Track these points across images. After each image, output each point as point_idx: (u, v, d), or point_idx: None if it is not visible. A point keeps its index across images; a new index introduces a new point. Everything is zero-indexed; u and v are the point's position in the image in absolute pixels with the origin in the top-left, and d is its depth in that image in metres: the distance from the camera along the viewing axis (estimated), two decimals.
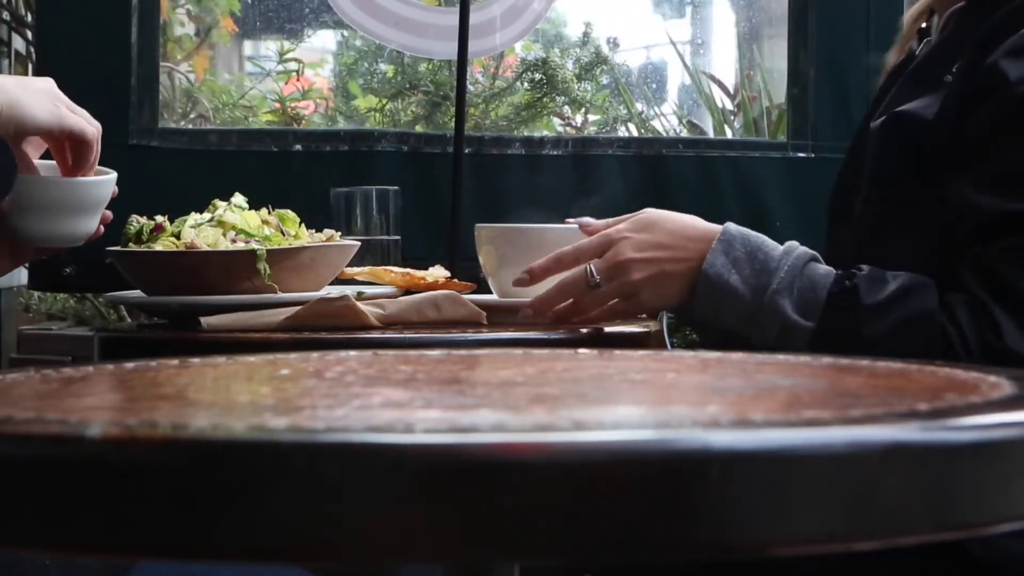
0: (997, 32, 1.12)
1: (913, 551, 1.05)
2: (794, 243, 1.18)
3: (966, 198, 1.10)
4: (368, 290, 1.40)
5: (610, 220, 1.24)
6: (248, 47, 3.83)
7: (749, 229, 1.19)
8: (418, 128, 3.08)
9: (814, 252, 1.17)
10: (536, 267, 1.24)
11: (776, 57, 2.74)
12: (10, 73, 3.27)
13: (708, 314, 1.17)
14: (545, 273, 1.24)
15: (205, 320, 1.28)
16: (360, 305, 1.27)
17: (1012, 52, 1.09)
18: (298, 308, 1.27)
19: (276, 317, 1.28)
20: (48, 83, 1.18)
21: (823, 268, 1.15)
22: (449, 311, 1.33)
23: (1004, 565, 1.05)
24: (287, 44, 3.33)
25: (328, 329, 1.26)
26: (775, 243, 1.18)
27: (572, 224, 1.30)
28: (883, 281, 1.10)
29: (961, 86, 1.12)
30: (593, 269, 1.20)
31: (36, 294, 3.13)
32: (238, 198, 1.41)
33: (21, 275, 2.41)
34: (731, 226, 1.18)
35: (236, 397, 0.63)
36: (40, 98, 1.15)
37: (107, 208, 1.47)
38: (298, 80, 3.29)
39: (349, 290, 1.34)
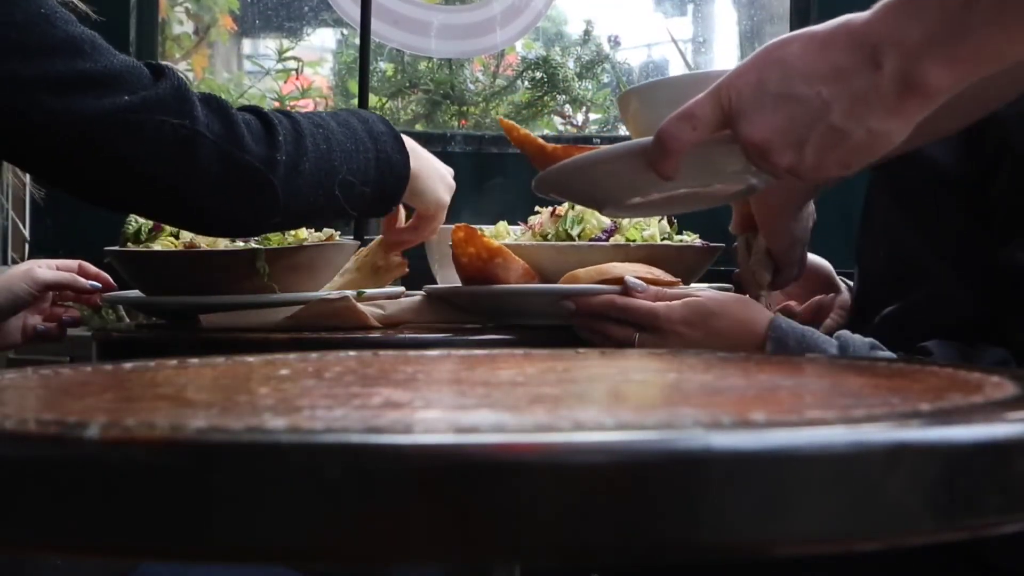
0: None
1: (925, 557, 1.04)
2: (846, 334, 1.15)
3: (1015, 258, 1.09)
4: (369, 290, 1.40)
5: (659, 291, 1.22)
6: (247, 45, 3.83)
7: (794, 322, 1.17)
8: (418, 127, 3.08)
9: (872, 339, 1.14)
10: (583, 306, 1.23)
11: None
12: None
13: None
14: (589, 312, 1.23)
15: (204, 318, 1.28)
16: (360, 305, 1.27)
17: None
18: (298, 308, 1.27)
19: (276, 316, 1.27)
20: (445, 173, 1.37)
21: (883, 355, 1.12)
22: (445, 312, 1.34)
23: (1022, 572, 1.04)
24: (286, 42, 3.33)
25: (328, 329, 1.26)
26: (826, 336, 1.15)
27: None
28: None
29: (966, 132, 1.11)
30: (638, 339, 1.20)
31: None
32: None
33: None
34: (779, 320, 1.16)
35: (235, 397, 0.63)
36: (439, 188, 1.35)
37: None
38: (297, 79, 3.29)
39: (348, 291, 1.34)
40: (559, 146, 1.06)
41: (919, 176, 1.18)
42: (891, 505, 0.42)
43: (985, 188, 1.12)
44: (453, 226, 1.35)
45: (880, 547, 0.44)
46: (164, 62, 1.23)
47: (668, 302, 1.20)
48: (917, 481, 0.42)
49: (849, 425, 0.43)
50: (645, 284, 1.22)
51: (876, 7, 0.79)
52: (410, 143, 1.29)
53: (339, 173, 1.18)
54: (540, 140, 1.10)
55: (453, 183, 1.37)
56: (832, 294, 1.42)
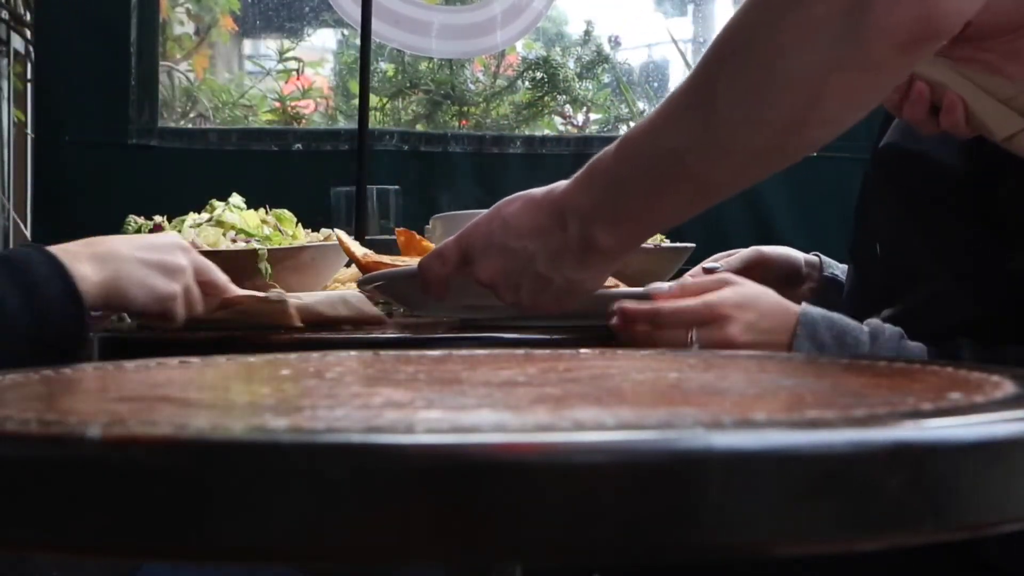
0: None
1: (925, 557, 1.04)
2: (877, 322, 1.12)
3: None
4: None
5: (698, 282, 1.17)
6: (248, 46, 3.83)
7: (823, 310, 1.13)
8: (419, 127, 3.08)
9: (900, 329, 1.11)
10: (631, 311, 1.12)
11: None
12: (8, 73, 3.27)
13: None
14: (636, 323, 1.13)
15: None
16: (291, 302, 1.23)
17: None
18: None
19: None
20: (163, 248, 1.16)
21: (914, 345, 1.10)
22: (357, 309, 1.30)
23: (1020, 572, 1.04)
24: (287, 43, 3.33)
25: (253, 327, 1.22)
26: (857, 324, 1.12)
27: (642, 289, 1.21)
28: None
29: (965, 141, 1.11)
30: (694, 336, 1.13)
31: None
32: (236, 198, 1.41)
33: None
34: (809, 309, 1.12)
35: (236, 397, 0.63)
36: (141, 276, 1.14)
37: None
38: (298, 79, 3.29)
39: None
40: (371, 259, 1.31)
41: (922, 178, 1.17)
42: (892, 505, 0.42)
43: (991, 192, 1.12)
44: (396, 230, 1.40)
45: (880, 547, 0.44)
46: None
47: (716, 291, 1.14)
48: (918, 481, 0.42)
49: (849, 425, 0.43)
50: (665, 286, 1.19)
51: (572, 178, 0.95)
52: (100, 248, 1.11)
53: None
54: (355, 254, 1.32)
55: (180, 262, 1.16)
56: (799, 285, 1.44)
